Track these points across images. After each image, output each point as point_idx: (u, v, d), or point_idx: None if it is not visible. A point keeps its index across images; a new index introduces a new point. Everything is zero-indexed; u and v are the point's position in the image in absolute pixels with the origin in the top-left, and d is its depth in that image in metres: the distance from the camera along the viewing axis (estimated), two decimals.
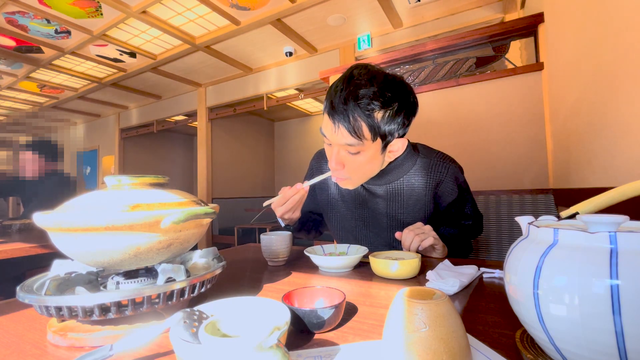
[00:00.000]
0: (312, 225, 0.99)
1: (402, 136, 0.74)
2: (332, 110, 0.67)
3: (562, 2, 1.19)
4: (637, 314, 0.22)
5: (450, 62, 1.73)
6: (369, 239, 0.90)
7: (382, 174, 0.81)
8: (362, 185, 0.84)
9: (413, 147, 0.85)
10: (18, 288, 0.42)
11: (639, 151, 0.72)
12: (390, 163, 0.80)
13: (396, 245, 0.86)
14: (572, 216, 0.35)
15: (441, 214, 0.87)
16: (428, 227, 0.76)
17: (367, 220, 0.88)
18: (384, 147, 0.72)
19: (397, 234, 0.77)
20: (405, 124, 0.71)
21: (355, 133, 0.66)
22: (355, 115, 0.65)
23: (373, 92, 0.66)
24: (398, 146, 0.74)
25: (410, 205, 0.83)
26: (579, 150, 1.08)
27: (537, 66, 1.44)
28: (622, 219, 0.27)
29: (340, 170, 0.74)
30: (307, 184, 0.77)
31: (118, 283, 0.45)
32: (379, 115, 0.67)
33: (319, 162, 0.98)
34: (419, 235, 0.73)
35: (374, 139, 0.68)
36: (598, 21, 0.90)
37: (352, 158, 0.71)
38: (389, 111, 0.67)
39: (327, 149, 0.77)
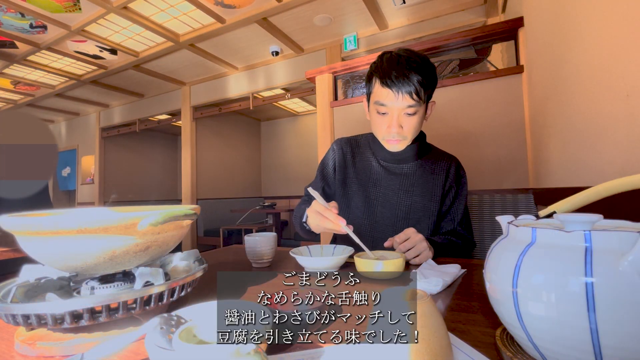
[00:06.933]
0: None
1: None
2: (394, 81, 0.82)
3: (541, 7, 1.23)
4: (611, 311, 0.23)
5: (434, 63, 1.75)
6: (375, 218, 0.94)
7: (401, 154, 0.94)
8: (380, 164, 0.97)
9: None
10: None
11: (613, 152, 0.75)
12: (409, 146, 0.93)
13: (398, 227, 0.92)
14: (550, 215, 0.35)
15: (443, 205, 0.95)
16: (419, 238, 0.76)
17: (378, 199, 0.95)
18: (426, 108, 0.90)
19: (387, 244, 0.79)
20: (433, 89, 0.90)
21: (417, 95, 0.83)
22: (415, 82, 0.82)
23: (422, 65, 0.84)
24: (430, 109, 0.93)
25: (421, 184, 0.94)
26: (557, 151, 1.11)
27: (518, 69, 1.48)
28: (596, 217, 0.28)
29: (400, 132, 0.87)
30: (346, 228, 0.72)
31: (93, 288, 0.43)
32: (425, 81, 0.84)
33: (340, 147, 1.03)
34: (413, 250, 0.74)
35: (424, 101, 0.87)
36: (572, 26, 0.93)
37: (409, 120, 0.87)
38: (430, 78, 0.86)
39: (378, 120, 0.89)
